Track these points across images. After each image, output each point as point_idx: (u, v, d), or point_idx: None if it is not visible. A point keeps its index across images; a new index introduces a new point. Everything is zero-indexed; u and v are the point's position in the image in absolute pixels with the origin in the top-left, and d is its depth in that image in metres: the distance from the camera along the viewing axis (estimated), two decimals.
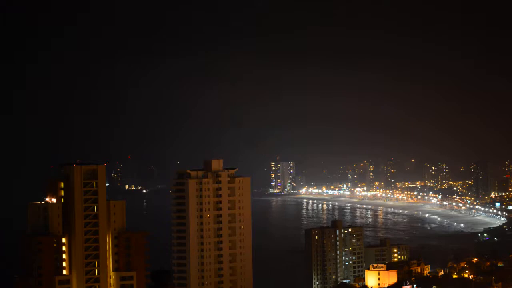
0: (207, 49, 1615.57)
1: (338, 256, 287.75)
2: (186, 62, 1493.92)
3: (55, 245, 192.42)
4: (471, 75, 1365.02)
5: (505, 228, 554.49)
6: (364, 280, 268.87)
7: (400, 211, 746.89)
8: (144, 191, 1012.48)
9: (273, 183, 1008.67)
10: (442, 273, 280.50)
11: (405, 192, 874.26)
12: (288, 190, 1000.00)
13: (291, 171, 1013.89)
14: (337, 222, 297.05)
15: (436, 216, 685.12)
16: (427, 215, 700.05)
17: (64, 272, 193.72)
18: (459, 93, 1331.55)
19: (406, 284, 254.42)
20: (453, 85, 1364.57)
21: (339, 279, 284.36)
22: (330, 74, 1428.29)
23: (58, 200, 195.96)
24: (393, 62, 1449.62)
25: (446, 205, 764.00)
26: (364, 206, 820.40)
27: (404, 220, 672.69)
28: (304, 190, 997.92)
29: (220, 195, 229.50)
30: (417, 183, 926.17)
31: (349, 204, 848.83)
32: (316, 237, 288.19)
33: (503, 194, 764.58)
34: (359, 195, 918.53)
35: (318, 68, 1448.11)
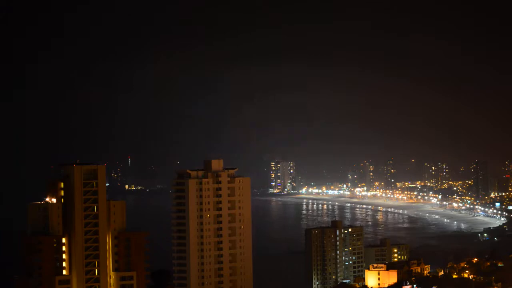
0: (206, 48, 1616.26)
1: (338, 256, 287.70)
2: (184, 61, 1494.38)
3: (55, 245, 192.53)
4: (471, 73, 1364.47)
5: (505, 228, 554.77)
6: (364, 280, 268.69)
7: (400, 211, 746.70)
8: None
9: (273, 183, 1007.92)
10: (442, 273, 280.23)
11: (405, 192, 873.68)
12: (288, 190, 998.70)
13: (291, 171, 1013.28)
14: (337, 222, 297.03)
15: (436, 216, 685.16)
16: (427, 215, 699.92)
17: (64, 272, 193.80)
18: (460, 92, 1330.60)
19: (406, 284, 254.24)
20: (454, 84, 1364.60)
21: (339, 279, 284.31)
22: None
23: (58, 200, 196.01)
24: (394, 61, 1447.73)
25: (446, 205, 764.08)
26: (364, 206, 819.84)
27: (404, 220, 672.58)
28: (304, 190, 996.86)
29: (220, 195, 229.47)
30: (417, 183, 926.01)
31: (349, 204, 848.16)
32: (316, 237, 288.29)
33: (503, 194, 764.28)
34: (359, 195, 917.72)
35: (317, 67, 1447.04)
